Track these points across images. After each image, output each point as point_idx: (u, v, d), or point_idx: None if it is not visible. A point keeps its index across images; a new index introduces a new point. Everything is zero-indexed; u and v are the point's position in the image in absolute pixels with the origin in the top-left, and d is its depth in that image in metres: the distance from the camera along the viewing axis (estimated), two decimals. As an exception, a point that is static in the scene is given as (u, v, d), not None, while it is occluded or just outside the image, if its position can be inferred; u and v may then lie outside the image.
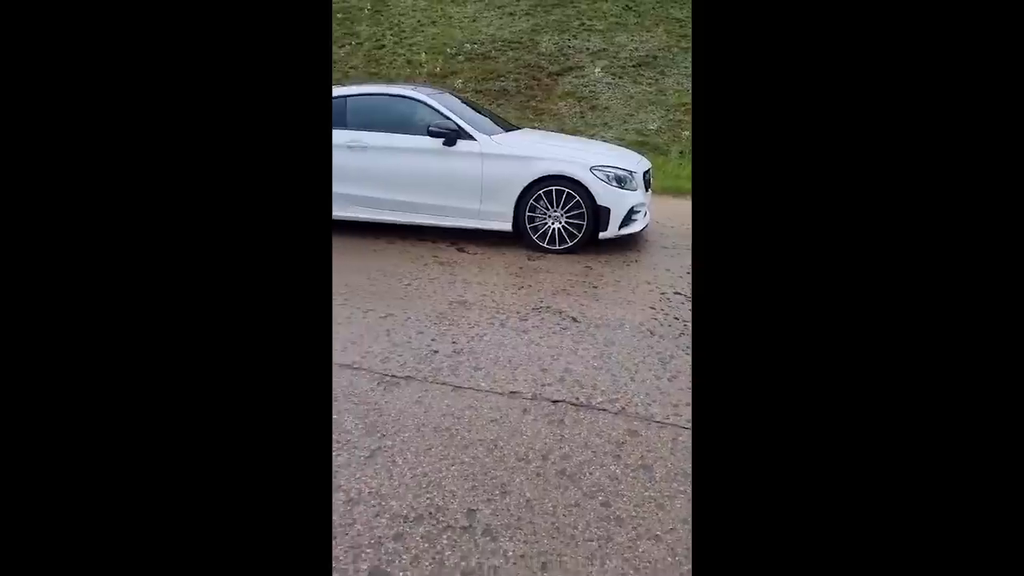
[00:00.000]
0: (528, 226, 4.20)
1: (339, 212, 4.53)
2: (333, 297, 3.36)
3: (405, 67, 11.94)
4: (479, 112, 4.78)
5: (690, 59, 12.10)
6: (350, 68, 11.98)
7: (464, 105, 4.72)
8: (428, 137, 4.25)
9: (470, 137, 4.23)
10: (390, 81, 11.17)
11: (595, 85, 11.05)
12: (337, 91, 4.64)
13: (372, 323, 3.02)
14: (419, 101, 4.41)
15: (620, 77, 11.24)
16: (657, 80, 11.03)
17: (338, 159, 4.39)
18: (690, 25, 12.76)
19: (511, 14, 13.11)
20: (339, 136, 4.41)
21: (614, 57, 11.69)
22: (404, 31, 12.79)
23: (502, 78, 11.55)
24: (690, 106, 9.28)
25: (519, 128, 4.98)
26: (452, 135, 4.20)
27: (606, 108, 10.56)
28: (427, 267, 3.91)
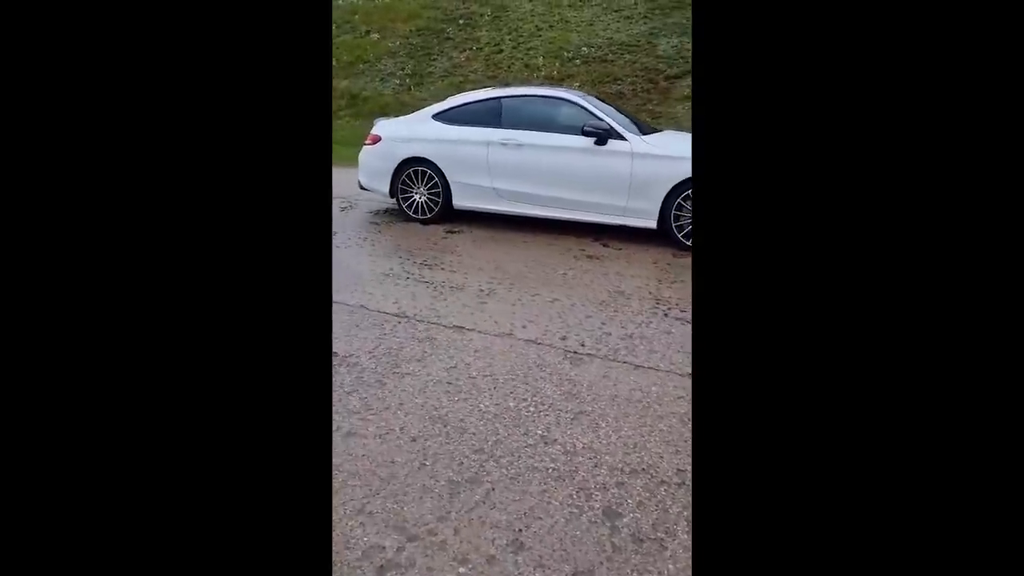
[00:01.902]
0: (674, 224, 4.32)
1: (490, 206, 4.84)
2: (503, 281, 3.65)
3: (523, 71, 12.30)
4: (622, 113, 4.95)
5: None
6: (470, 72, 12.50)
7: (609, 107, 4.91)
8: (580, 136, 4.47)
9: (621, 137, 4.41)
10: (506, 84, 11.53)
11: (714, 88, 10.86)
12: (493, 92, 4.96)
13: (542, 306, 3.27)
14: (571, 102, 4.65)
15: (741, 80, 10.96)
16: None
17: (492, 155, 4.71)
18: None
19: (628, 18, 13.16)
20: (493, 134, 4.72)
21: (735, 60, 11.39)
22: (522, 36, 13.16)
23: (618, 81, 11.64)
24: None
25: (659, 130, 5.10)
26: (604, 135, 4.40)
27: (726, 112, 10.37)
28: (577, 260, 4.13)
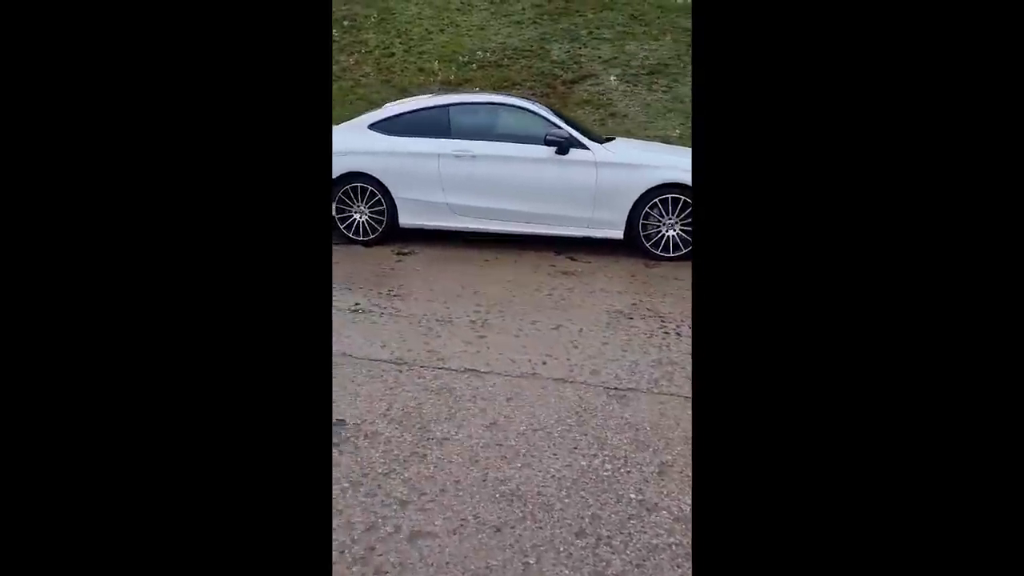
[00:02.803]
0: (642, 234, 4.19)
1: (442, 223, 4.44)
2: (490, 308, 3.29)
3: (417, 75, 11.84)
4: (568, 121, 4.76)
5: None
6: (361, 76, 11.82)
7: (558, 114, 4.70)
8: (540, 146, 4.21)
9: (583, 146, 4.20)
10: (404, 90, 11.06)
11: (611, 93, 11.13)
12: (436, 100, 4.56)
13: (549, 335, 2.96)
14: (524, 109, 4.38)
15: (635, 85, 11.35)
16: (671, 88, 11.17)
17: (444, 168, 4.31)
18: (697, 34, 12.78)
19: (518, 23, 13.15)
20: (444, 145, 4.33)
21: (626, 65, 11.82)
22: (412, 39, 12.69)
23: (517, 86, 11.54)
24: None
25: (611, 138, 4.97)
26: (565, 144, 4.17)
27: (625, 116, 10.65)
28: (553, 277, 3.87)
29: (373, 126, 4.50)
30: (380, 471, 1.89)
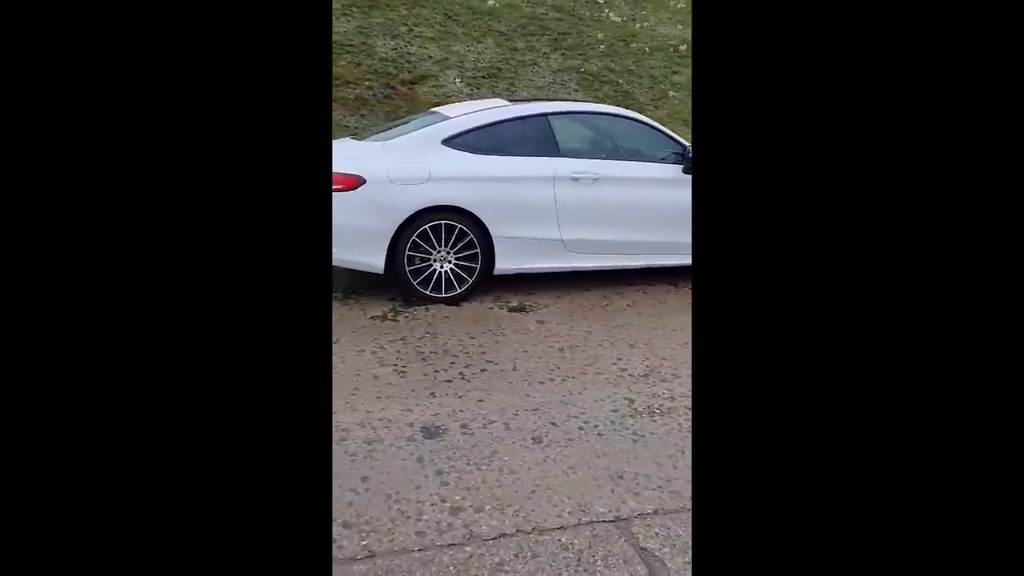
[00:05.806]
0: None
1: (554, 264, 3.46)
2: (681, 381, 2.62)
3: (222, 67, 9.54)
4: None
5: (532, 73, 12.32)
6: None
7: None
8: (666, 164, 3.57)
9: (705, 162, 3.70)
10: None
11: (458, 96, 10.51)
12: (522, 108, 3.55)
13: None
14: (638, 121, 3.66)
15: (477, 87, 10.90)
16: (511, 90, 11.01)
17: (561, 195, 3.37)
18: (518, 39, 13.01)
19: (326, 12, 11.56)
20: (558, 166, 3.38)
21: (461, 67, 11.30)
22: (199, 22, 10.19)
23: (352, 85, 10.11)
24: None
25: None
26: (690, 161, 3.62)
27: (481, 120, 10.14)
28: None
29: (448, 142, 3.30)
30: None
